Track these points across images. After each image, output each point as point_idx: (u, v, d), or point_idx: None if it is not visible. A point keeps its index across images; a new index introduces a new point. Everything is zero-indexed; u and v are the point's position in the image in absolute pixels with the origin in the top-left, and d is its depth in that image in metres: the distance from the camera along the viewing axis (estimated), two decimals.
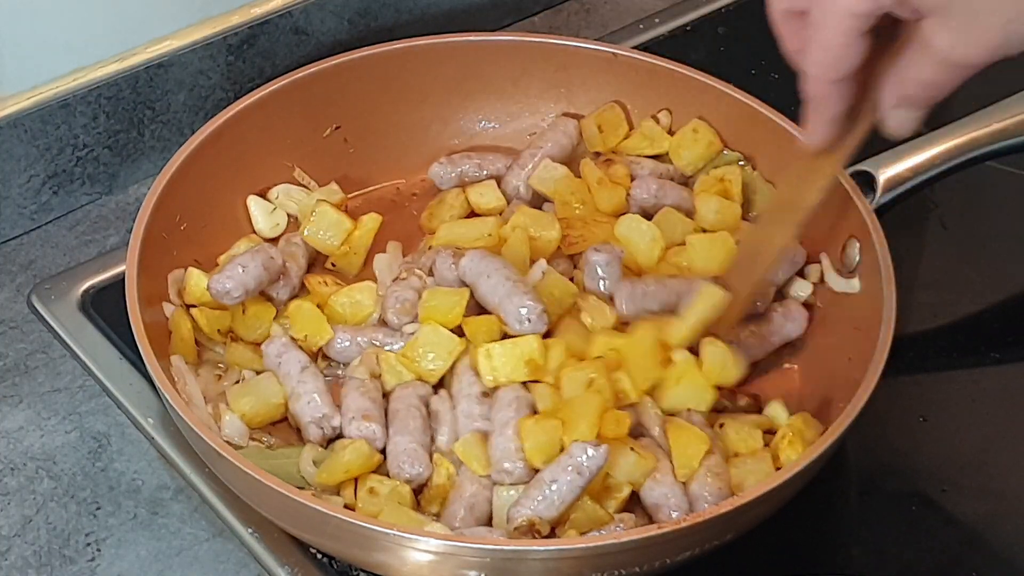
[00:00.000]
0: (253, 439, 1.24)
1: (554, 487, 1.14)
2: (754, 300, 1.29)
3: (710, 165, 1.44)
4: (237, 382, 1.27)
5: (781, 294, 1.34)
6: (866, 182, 1.35)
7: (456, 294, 1.27)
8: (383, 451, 1.21)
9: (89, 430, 1.28)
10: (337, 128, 1.45)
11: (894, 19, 1.01)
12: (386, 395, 1.25)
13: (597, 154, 1.46)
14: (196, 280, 1.29)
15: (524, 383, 1.23)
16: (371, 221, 1.38)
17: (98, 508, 1.22)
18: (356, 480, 1.18)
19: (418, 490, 1.19)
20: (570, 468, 1.14)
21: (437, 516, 1.18)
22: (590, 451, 1.13)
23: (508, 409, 1.20)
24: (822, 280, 1.35)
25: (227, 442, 1.20)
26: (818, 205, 1.22)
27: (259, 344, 1.29)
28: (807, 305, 1.34)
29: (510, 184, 1.43)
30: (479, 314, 1.27)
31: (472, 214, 1.43)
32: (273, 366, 1.26)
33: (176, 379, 1.22)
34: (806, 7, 1.02)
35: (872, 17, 0.98)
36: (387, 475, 1.19)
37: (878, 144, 1.38)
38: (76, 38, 1.41)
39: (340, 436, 1.22)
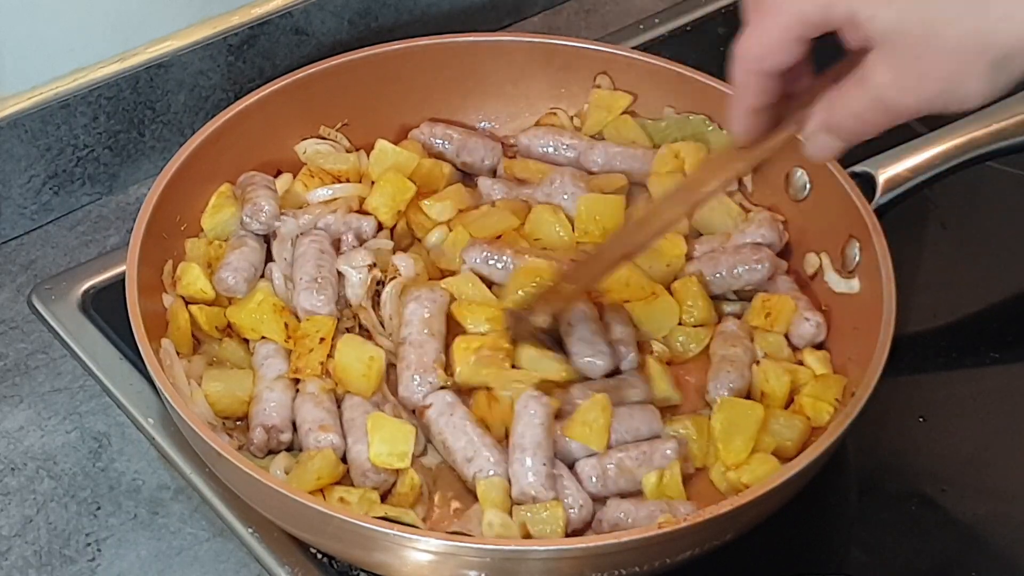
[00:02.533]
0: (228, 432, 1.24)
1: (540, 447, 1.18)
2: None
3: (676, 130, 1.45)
4: None
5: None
6: (866, 182, 1.35)
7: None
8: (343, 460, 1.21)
9: (89, 430, 1.28)
10: (344, 125, 1.46)
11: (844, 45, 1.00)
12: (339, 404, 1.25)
13: None
14: (194, 275, 1.29)
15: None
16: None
17: (98, 508, 1.22)
18: (323, 493, 1.18)
19: (383, 497, 1.19)
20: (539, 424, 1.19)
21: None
22: (544, 400, 1.21)
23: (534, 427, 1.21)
24: (819, 276, 1.36)
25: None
26: (715, 194, 1.22)
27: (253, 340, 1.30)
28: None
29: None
30: None
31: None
32: (256, 365, 1.27)
33: (164, 361, 1.22)
34: None
35: (816, 28, 0.96)
36: (351, 485, 1.19)
37: (878, 144, 1.38)
38: (76, 38, 1.41)
39: (289, 449, 1.22)
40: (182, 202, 1.33)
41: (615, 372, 1.28)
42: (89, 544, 1.20)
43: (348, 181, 1.41)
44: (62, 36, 1.40)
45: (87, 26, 1.41)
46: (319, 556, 1.18)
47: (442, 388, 1.25)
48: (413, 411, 1.25)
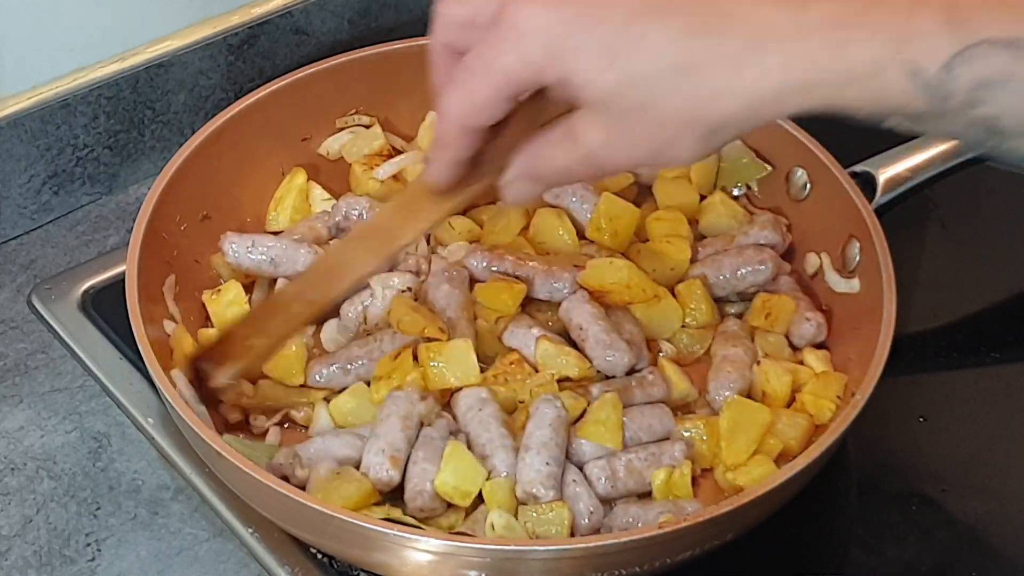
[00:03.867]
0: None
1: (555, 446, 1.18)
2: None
3: None
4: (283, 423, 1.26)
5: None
6: (866, 182, 1.35)
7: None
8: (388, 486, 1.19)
9: (89, 430, 1.28)
10: (355, 113, 1.46)
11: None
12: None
13: None
14: (235, 294, 1.30)
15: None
16: None
17: (98, 508, 1.22)
18: None
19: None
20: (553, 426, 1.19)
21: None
22: (557, 404, 1.20)
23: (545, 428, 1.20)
24: (820, 276, 1.36)
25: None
26: (409, 244, 1.19)
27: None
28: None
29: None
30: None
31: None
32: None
33: (181, 393, 1.18)
34: (465, 48, 0.96)
35: (526, 87, 0.94)
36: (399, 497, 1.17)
37: (878, 144, 1.38)
38: (76, 38, 1.41)
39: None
40: (182, 202, 1.32)
41: (632, 370, 1.28)
42: (89, 544, 1.20)
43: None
44: (62, 36, 1.40)
45: (87, 26, 1.41)
46: (319, 556, 1.18)
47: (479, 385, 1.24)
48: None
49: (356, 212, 1.36)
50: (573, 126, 0.95)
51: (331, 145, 1.45)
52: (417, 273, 1.32)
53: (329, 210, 1.40)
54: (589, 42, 0.91)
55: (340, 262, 1.16)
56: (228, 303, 1.30)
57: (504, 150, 1.01)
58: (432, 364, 1.23)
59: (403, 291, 1.30)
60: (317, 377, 1.26)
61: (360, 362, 1.26)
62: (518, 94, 0.95)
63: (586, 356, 1.26)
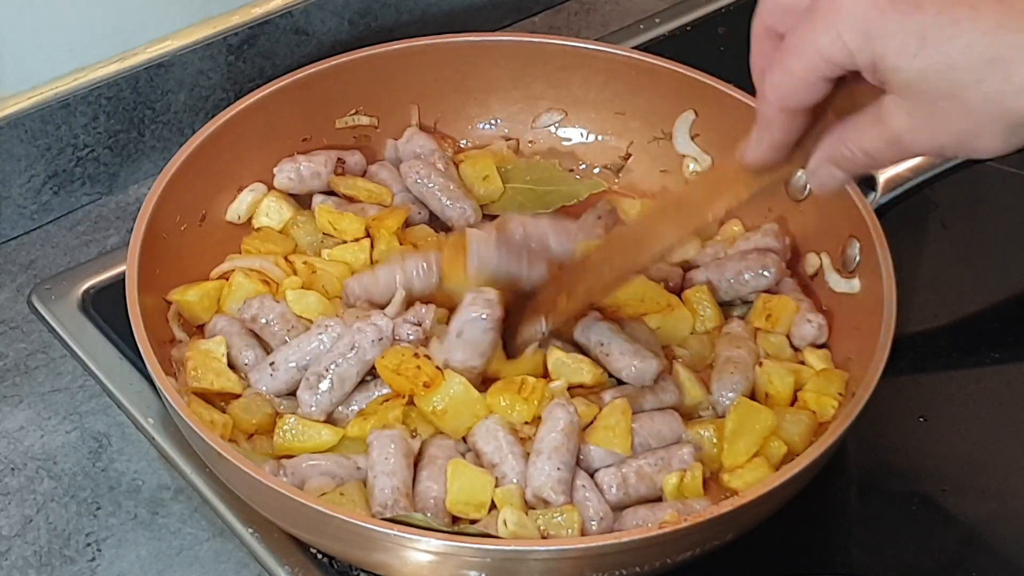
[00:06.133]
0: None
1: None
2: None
3: None
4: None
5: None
6: (866, 182, 1.35)
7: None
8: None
9: (89, 430, 1.28)
10: (355, 113, 1.46)
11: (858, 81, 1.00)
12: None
13: None
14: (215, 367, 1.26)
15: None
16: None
17: (98, 508, 1.22)
18: None
19: None
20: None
21: None
22: (570, 409, 1.20)
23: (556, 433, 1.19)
24: (820, 276, 1.36)
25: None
26: (717, 219, 1.21)
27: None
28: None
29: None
30: None
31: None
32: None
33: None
34: (785, 31, 1.00)
35: (840, 68, 0.97)
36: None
37: None
38: (76, 38, 1.41)
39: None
40: (182, 202, 1.33)
41: None
42: (89, 544, 1.20)
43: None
44: (62, 36, 1.40)
45: (87, 26, 1.41)
46: (319, 556, 1.18)
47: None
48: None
49: (267, 316, 1.28)
50: (880, 110, 0.97)
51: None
52: (419, 324, 1.27)
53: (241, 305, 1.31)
54: (902, 27, 0.93)
55: (645, 233, 1.21)
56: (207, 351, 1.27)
57: (818, 137, 1.03)
58: (431, 409, 1.21)
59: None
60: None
61: (364, 398, 1.25)
62: (833, 76, 0.97)
63: (610, 371, 1.25)
